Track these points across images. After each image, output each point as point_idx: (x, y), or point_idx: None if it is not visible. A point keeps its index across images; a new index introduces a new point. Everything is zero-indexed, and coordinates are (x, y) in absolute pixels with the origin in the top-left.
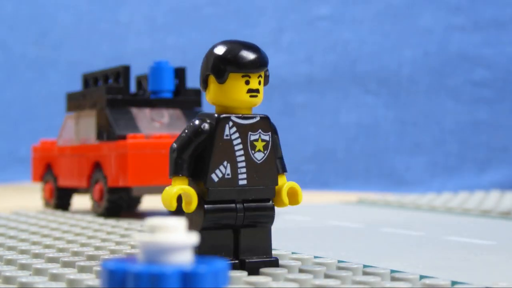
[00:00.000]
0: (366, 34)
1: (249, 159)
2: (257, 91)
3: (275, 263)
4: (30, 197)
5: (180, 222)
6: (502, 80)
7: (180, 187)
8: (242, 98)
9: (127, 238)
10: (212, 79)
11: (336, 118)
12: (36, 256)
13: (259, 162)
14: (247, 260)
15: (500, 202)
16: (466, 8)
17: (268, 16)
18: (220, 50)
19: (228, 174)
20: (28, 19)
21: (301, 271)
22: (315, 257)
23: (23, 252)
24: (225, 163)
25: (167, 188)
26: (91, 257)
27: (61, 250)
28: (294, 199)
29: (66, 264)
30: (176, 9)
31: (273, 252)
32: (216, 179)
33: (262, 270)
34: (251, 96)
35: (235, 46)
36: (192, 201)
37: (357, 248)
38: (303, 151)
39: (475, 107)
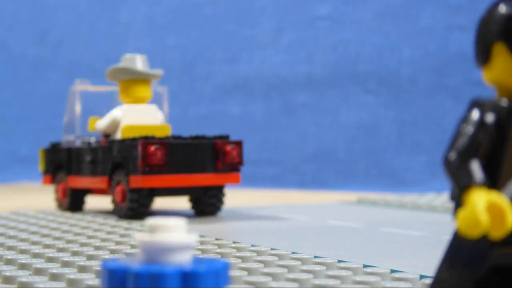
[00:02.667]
0: (366, 34)
1: None
2: None
3: None
4: (30, 197)
5: (180, 222)
6: None
7: (489, 197)
8: None
9: (127, 238)
10: (500, 49)
11: (336, 118)
12: (36, 255)
13: None
14: None
15: None
16: (466, 8)
17: (268, 16)
18: None
19: None
20: (28, 19)
21: (301, 271)
22: (315, 257)
23: (23, 251)
24: None
25: (470, 204)
26: (91, 257)
27: (61, 249)
28: None
29: (66, 264)
30: (176, 9)
31: (273, 251)
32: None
33: None
34: None
35: None
36: (507, 220)
37: (357, 248)
38: (303, 151)
39: None
